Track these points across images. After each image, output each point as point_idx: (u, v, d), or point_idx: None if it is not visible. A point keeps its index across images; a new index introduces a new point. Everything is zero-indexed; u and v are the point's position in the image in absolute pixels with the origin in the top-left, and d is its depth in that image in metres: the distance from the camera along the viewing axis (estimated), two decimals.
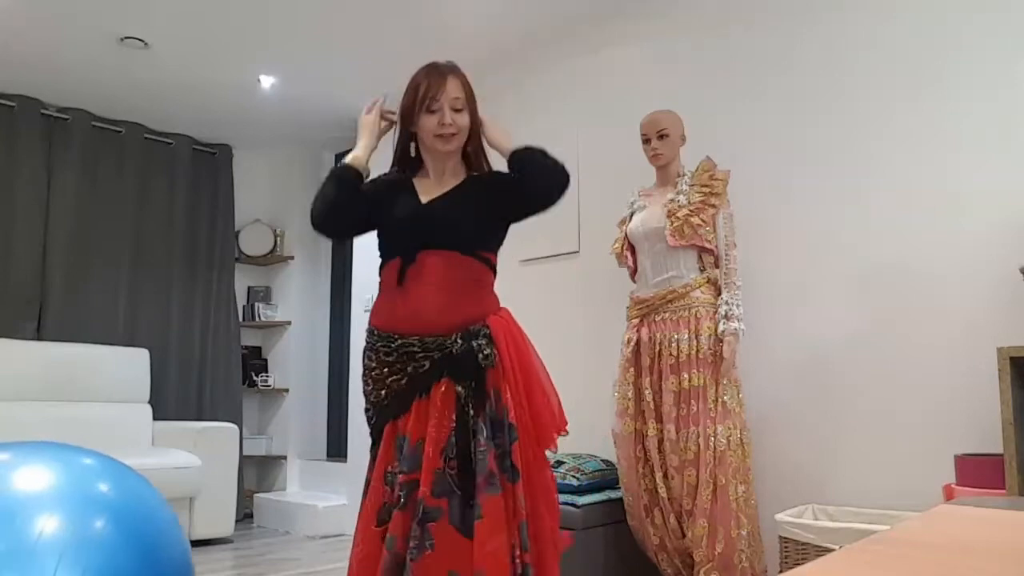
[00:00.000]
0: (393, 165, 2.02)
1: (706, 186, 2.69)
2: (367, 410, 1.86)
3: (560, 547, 1.81)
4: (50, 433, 3.94)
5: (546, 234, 3.64)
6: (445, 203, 1.86)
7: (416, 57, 4.30)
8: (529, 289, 3.73)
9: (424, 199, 1.88)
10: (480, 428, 1.70)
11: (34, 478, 1.67)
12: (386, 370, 1.79)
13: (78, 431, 4.16)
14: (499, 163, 2.00)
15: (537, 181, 1.86)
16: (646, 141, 2.80)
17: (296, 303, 5.47)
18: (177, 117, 4.91)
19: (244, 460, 5.03)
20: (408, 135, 1.94)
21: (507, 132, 1.95)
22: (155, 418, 4.59)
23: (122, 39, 3.85)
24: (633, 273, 2.88)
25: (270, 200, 5.67)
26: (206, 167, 5.28)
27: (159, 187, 5.03)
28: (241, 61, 4.12)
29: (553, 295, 3.57)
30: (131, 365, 4.56)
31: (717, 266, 2.68)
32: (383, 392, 1.80)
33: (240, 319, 5.37)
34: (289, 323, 5.45)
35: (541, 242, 3.66)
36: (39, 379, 4.20)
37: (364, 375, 1.86)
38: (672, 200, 2.72)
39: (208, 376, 5.05)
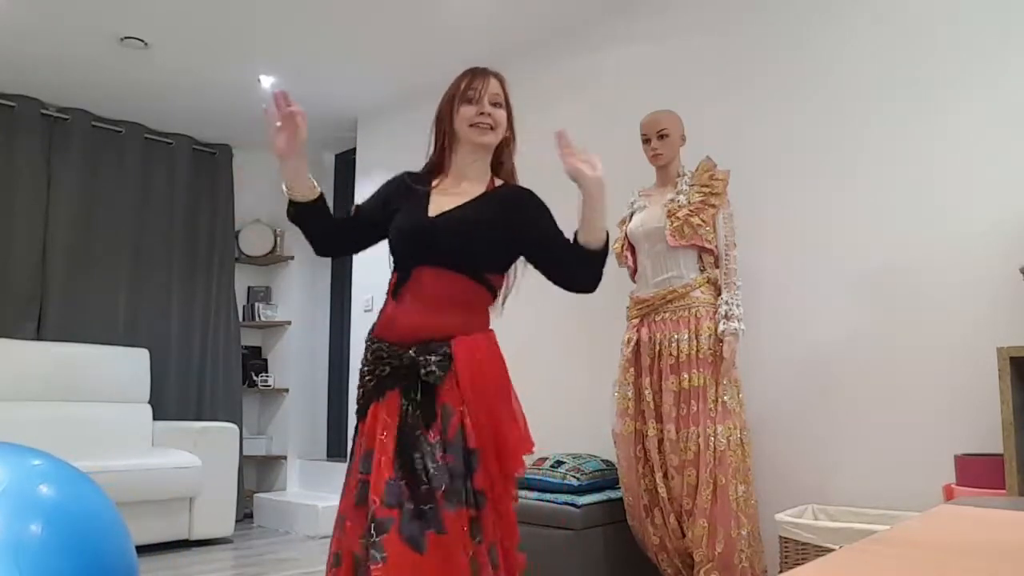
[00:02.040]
0: (425, 167, 1.94)
1: (706, 186, 2.69)
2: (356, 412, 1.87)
3: (519, 569, 1.78)
4: (50, 433, 3.94)
5: None
6: (451, 219, 1.77)
7: (416, 57, 4.32)
8: (529, 289, 3.73)
9: (433, 210, 1.79)
10: (428, 444, 1.65)
11: None
12: (365, 370, 1.80)
13: (78, 431, 4.16)
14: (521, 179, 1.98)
15: (579, 282, 1.84)
16: (646, 141, 2.80)
17: (296, 303, 5.47)
18: (177, 117, 4.91)
19: (244, 460, 5.03)
20: (443, 136, 1.89)
21: (603, 218, 1.73)
22: (155, 418, 4.59)
23: (122, 39, 3.85)
24: (633, 273, 2.88)
25: (270, 200, 5.67)
26: (206, 167, 5.28)
27: (159, 187, 5.03)
28: (241, 61, 4.12)
29: (553, 295, 3.56)
30: (131, 365, 4.56)
31: (717, 266, 2.68)
32: (360, 391, 1.82)
33: (240, 319, 5.37)
34: (289, 323, 5.44)
35: None
36: (39, 379, 4.20)
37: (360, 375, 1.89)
38: (672, 200, 2.72)
39: (208, 376, 5.05)
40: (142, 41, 3.87)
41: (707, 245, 2.65)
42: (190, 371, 4.99)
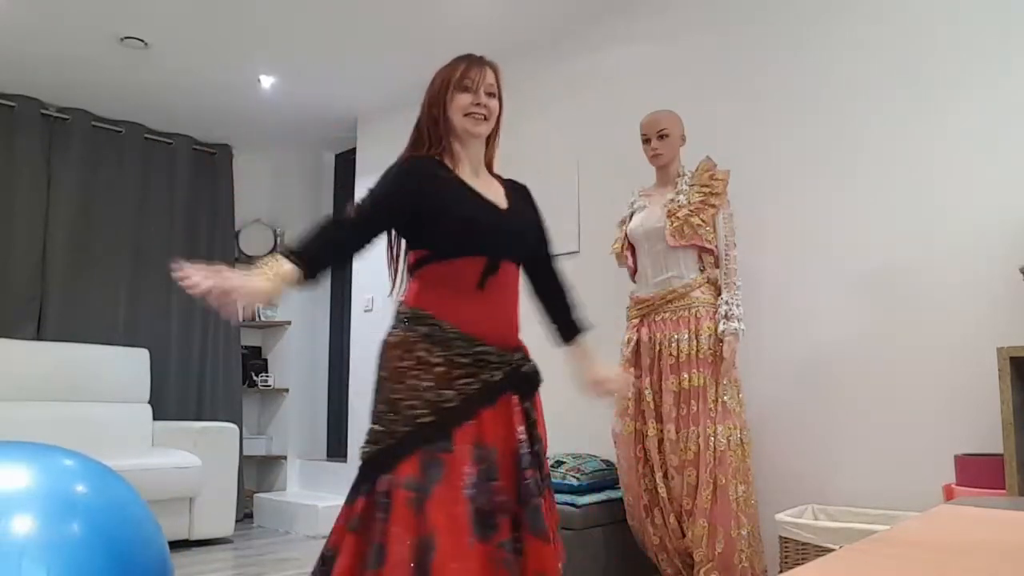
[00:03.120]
0: (415, 151, 1.85)
1: (706, 186, 2.69)
2: (413, 407, 1.65)
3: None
4: (50, 433, 3.93)
5: None
6: (518, 213, 1.86)
7: (416, 57, 4.31)
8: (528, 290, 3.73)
9: (492, 200, 1.80)
10: (537, 442, 1.78)
11: (9, 478, 1.67)
12: (457, 371, 1.68)
13: (78, 431, 4.16)
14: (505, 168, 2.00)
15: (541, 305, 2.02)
16: (646, 141, 2.80)
17: (296, 303, 5.47)
18: (177, 117, 4.91)
19: (244, 460, 5.03)
20: (433, 121, 1.82)
21: None
22: (155, 418, 4.58)
23: (122, 39, 3.85)
24: (633, 273, 2.88)
25: (270, 200, 5.67)
26: (206, 167, 5.28)
27: (159, 187, 5.02)
28: (241, 61, 4.12)
29: None
30: (131, 365, 4.56)
31: (717, 266, 2.68)
32: (448, 392, 1.66)
33: (240, 319, 5.37)
34: (289, 323, 5.44)
35: None
36: (39, 379, 4.20)
37: (416, 369, 1.67)
38: (672, 200, 2.72)
39: (208, 376, 5.05)
40: (142, 41, 3.87)
41: (707, 245, 2.65)
42: (190, 371, 4.99)
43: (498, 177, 1.94)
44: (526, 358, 1.83)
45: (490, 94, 1.82)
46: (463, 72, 1.81)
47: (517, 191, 1.94)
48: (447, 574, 1.51)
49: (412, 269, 1.81)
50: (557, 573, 1.68)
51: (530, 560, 1.65)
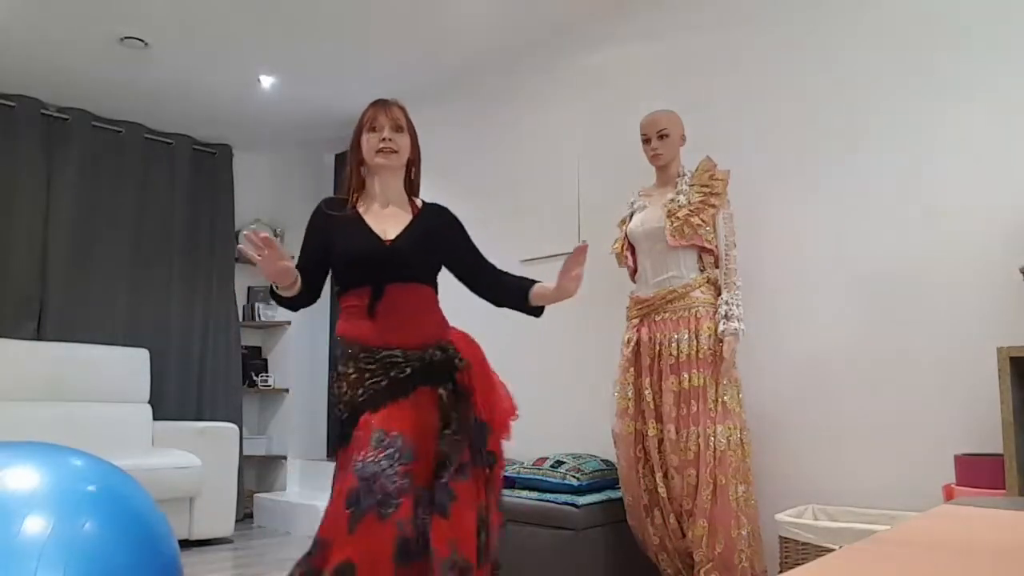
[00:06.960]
0: (342, 191, 2.17)
1: (706, 186, 2.69)
2: (339, 409, 2.04)
3: (498, 523, 2.03)
4: (50, 433, 3.93)
5: (546, 234, 3.63)
6: (407, 242, 2.04)
7: (416, 57, 4.31)
8: None
9: (382, 233, 2.04)
10: (457, 423, 1.94)
11: (21, 478, 1.68)
12: (366, 375, 1.97)
13: (78, 431, 4.16)
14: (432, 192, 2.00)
15: (504, 306, 2.17)
16: (646, 141, 2.80)
17: None
18: (177, 117, 4.91)
19: (244, 460, 5.03)
20: (356, 162, 2.13)
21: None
22: (155, 418, 4.58)
23: (122, 39, 3.85)
24: (633, 273, 2.88)
25: (270, 200, 5.67)
26: (206, 167, 5.28)
27: (159, 187, 5.03)
28: (241, 61, 4.12)
29: None
30: (131, 365, 4.56)
31: (717, 266, 2.68)
32: (359, 391, 1.97)
33: (240, 319, 5.37)
34: (289, 323, 5.44)
35: (541, 242, 3.66)
36: (39, 379, 4.20)
37: (338, 380, 2.04)
38: (672, 200, 2.72)
39: (208, 376, 5.05)
40: (142, 41, 3.87)
41: (707, 245, 2.65)
42: (190, 371, 4.99)
43: (421, 207, 2.14)
44: (444, 351, 1.99)
45: (397, 129, 2.06)
46: (371, 116, 2.07)
47: (427, 218, 2.12)
48: (320, 533, 1.82)
49: (338, 300, 2.13)
50: (448, 545, 1.78)
51: (432, 533, 1.80)
